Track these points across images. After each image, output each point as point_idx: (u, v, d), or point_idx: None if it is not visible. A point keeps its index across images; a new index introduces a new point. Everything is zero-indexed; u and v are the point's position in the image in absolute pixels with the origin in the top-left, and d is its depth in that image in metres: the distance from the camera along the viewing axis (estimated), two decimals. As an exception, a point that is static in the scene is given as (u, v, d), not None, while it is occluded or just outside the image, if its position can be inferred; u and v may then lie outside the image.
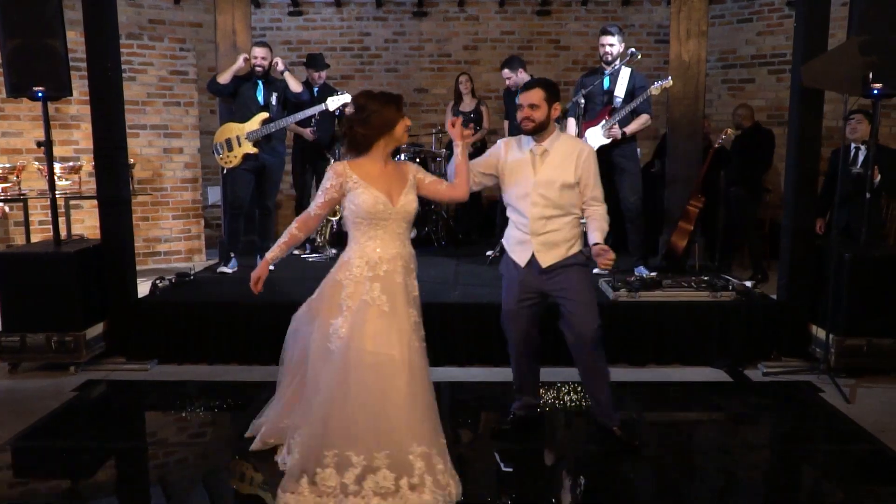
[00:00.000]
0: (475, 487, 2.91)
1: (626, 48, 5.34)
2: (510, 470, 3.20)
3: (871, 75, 3.95)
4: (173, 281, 5.17)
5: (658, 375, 4.36)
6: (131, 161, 5.79)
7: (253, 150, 5.48)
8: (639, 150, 5.68)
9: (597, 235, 3.14)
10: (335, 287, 2.88)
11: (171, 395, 4.02)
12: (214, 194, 7.95)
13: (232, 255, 5.75)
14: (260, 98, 5.58)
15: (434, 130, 7.48)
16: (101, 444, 3.44)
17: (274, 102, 5.65)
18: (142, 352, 4.60)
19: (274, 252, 2.95)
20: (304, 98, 5.78)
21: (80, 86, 5.26)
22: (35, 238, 6.04)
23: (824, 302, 4.32)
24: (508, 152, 3.28)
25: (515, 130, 4.00)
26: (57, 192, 4.80)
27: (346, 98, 5.88)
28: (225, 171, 5.67)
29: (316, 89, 6.38)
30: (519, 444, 3.40)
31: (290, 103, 5.78)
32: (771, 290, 5.06)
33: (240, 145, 5.47)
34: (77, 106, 6.49)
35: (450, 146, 6.05)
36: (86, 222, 6.64)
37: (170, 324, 4.63)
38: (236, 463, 3.19)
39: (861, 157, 5.14)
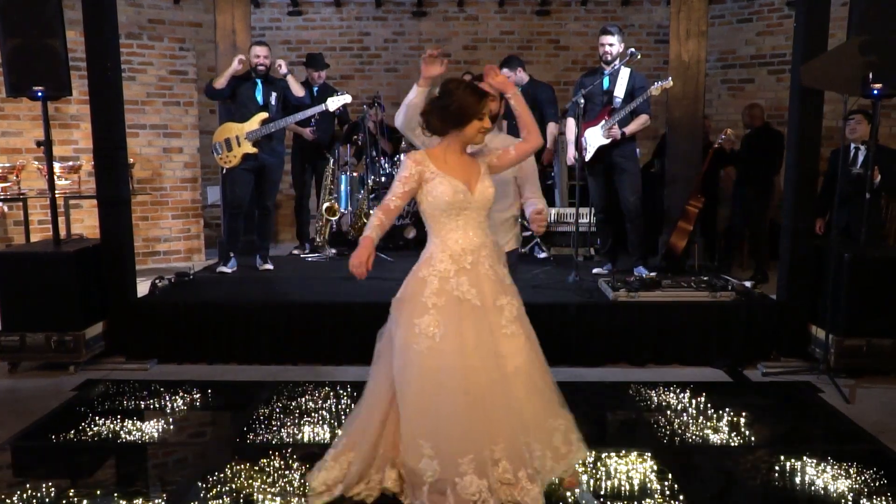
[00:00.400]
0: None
1: (626, 48, 5.35)
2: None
3: (870, 75, 3.95)
4: (173, 281, 5.18)
5: (658, 375, 4.37)
6: (131, 161, 5.80)
7: (252, 150, 5.48)
8: (638, 150, 5.69)
9: None
10: (419, 284, 2.72)
11: (170, 395, 4.02)
12: (214, 194, 7.95)
13: (231, 254, 5.76)
14: (259, 98, 5.58)
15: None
16: (100, 443, 3.44)
17: (273, 102, 5.65)
18: (141, 351, 4.61)
19: (375, 232, 2.72)
20: (307, 102, 5.78)
21: (79, 85, 5.26)
22: (34, 238, 6.04)
23: (824, 302, 4.32)
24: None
25: (515, 130, 4.00)
26: (56, 192, 4.80)
27: (347, 98, 5.88)
28: (224, 171, 5.68)
29: (315, 89, 6.38)
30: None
31: (289, 104, 5.79)
32: (771, 291, 5.06)
33: (239, 145, 5.47)
34: (77, 106, 6.49)
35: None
36: (85, 222, 6.65)
37: (169, 323, 4.64)
38: (236, 463, 3.18)
39: (861, 158, 5.15)
